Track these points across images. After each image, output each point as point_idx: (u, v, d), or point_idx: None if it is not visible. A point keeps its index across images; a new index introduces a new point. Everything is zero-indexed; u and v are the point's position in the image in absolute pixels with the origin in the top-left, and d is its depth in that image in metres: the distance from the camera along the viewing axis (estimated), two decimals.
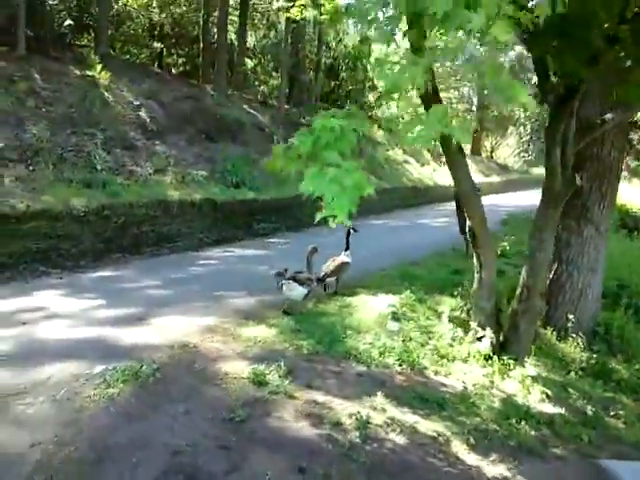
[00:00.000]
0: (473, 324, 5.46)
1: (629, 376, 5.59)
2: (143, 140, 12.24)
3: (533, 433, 4.16)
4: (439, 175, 23.53)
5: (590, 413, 4.64)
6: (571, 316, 6.36)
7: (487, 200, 20.08)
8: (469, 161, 21.31)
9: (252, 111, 16.90)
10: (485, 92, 30.95)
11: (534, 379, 4.98)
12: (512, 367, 5.16)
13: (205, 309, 6.27)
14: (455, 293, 6.85)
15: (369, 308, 6.33)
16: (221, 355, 4.83)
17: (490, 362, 5.24)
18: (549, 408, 4.64)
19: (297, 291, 6.22)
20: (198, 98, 15.03)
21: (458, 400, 4.48)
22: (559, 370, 5.54)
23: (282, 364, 4.52)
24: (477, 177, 26.10)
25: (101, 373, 4.28)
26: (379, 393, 4.31)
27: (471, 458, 3.72)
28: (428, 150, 26.00)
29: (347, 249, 7.26)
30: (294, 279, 6.23)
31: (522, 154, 53.66)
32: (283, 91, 18.96)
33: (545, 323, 6.42)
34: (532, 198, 23.46)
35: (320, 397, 4.19)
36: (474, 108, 35.52)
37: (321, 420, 3.84)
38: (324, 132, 3.60)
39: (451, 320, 5.77)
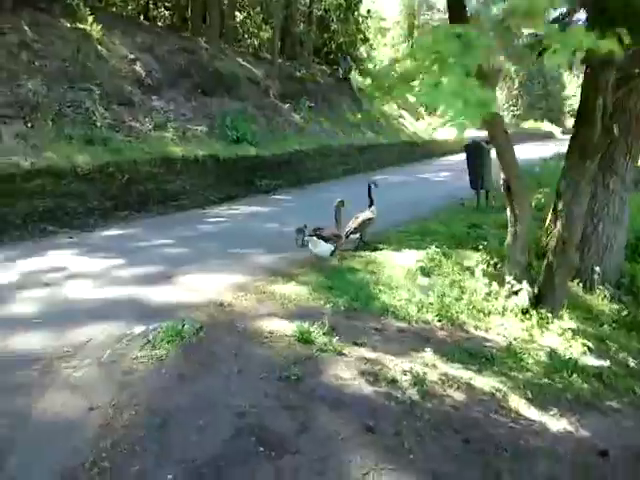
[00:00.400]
0: (508, 278, 5.36)
1: None
2: (140, 95, 11.87)
3: (586, 386, 4.09)
4: (434, 129, 23.27)
5: (634, 365, 4.59)
6: (597, 268, 6.31)
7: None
8: None
9: (246, 64, 16.43)
10: None
11: (574, 332, 4.91)
12: (550, 320, 5.09)
13: (227, 267, 6.13)
14: (479, 247, 6.73)
15: (396, 264, 6.23)
16: (259, 314, 4.70)
17: (527, 316, 5.17)
18: (593, 361, 4.58)
19: (322, 247, 6.08)
20: (192, 51, 14.56)
21: (505, 355, 4.42)
22: (592, 323, 5.49)
23: (325, 321, 4.36)
24: (475, 132, 25.88)
25: (143, 334, 4.12)
26: (428, 349, 4.18)
27: (532, 413, 3.67)
28: (422, 104, 25.67)
29: (371, 204, 7.11)
30: (319, 235, 6.05)
31: (511, 108, 53.38)
32: (276, 44, 18.44)
33: (571, 275, 6.33)
34: (531, 152, 23.44)
35: (368, 354, 4.09)
36: None
37: (376, 377, 3.75)
38: (447, 41, 3.18)
39: (485, 274, 5.64)
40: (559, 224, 5.36)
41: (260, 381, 3.58)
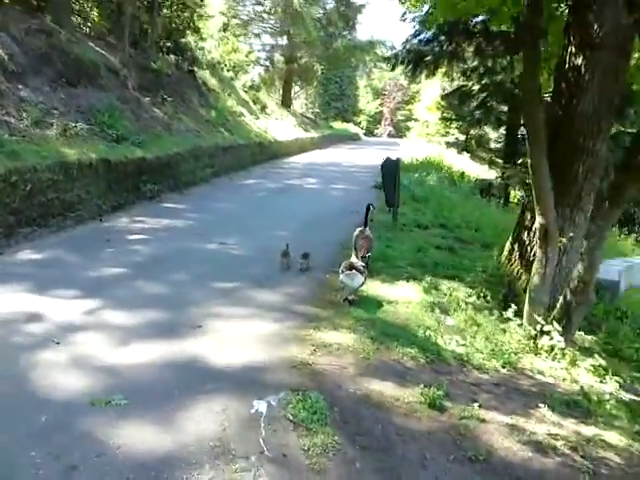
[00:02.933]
0: (537, 317, 5.60)
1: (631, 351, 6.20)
2: (5, 83, 10.09)
3: None
4: (274, 129, 23.26)
5: None
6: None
7: (324, 158, 20.75)
8: (284, 113, 21.53)
9: (101, 51, 14.83)
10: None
11: (602, 368, 5.29)
12: (580, 358, 5.42)
13: (237, 309, 5.62)
14: (454, 277, 6.96)
15: (401, 300, 6.16)
16: (349, 374, 4.34)
17: (555, 354, 5.43)
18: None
19: (358, 279, 5.86)
20: (49, 33, 12.72)
21: (585, 400, 4.59)
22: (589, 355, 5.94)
23: (443, 384, 4.19)
24: (298, 132, 26.44)
25: (273, 413, 3.59)
26: (541, 405, 4.23)
27: None
28: (254, 102, 25.49)
29: (366, 225, 7.11)
30: (353, 267, 5.83)
31: (309, 106, 55.34)
32: (126, 31, 16.85)
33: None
34: (360, 155, 24.53)
35: (501, 417, 4.01)
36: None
37: (538, 447, 3.70)
38: None
39: (517, 314, 5.83)
40: (580, 265, 5.70)
41: (449, 463, 3.33)
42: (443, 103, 33.17)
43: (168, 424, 3.42)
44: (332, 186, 15.10)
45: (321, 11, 32.94)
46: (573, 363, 5.36)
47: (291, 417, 3.55)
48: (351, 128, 46.06)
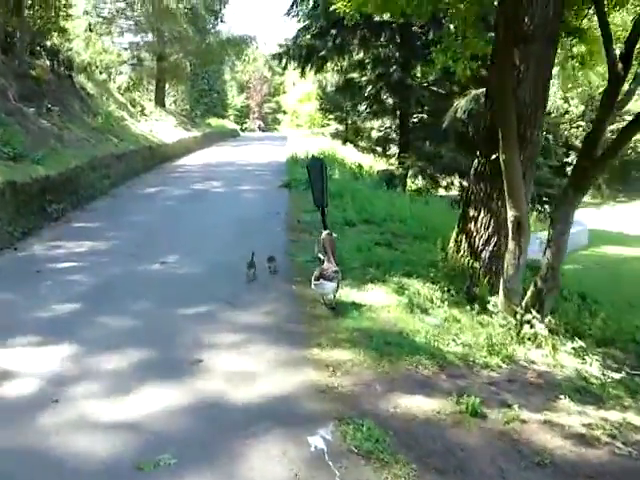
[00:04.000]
0: (516, 308, 5.82)
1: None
2: None
3: None
4: (157, 131, 22.38)
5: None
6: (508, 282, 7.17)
7: (214, 158, 20.44)
8: (163, 114, 20.99)
9: None
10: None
11: (583, 350, 5.61)
12: (562, 342, 5.71)
13: (226, 336, 5.34)
14: (411, 273, 7.11)
15: (377, 304, 6.16)
16: (379, 392, 4.29)
17: (540, 342, 5.68)
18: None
19: (328, 288, 5.81)
20: None
21: (589, 385, 4.84)
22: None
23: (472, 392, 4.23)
24: (180, 132, 25.69)
25: (332, 450, 3.44)
26: (561, 396, 4.40)
27: None
28: (132, 104, 24.42)
29: (325, 228, 7.06)
30: (323, 277, 5.74)
31: (179, 103, 53.81)
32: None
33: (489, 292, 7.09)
34: (250, 153, 24.23)
35: (535, 415, 4.11)
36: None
37: (585, 440, 3.84)
38: None
39: (495, 306, 5.99)
40: (548, 252, 5.97)
41: (531, 472, 3.38)
42: (321, 94, 33.59)
43: (234, 478, 3.15)
44: (240, 188, 14.77)
45: (188, 5, 31.89)
46: (555, 348, 5.58)
47: (356, 450, 3.40)
48: (228, 124, 45.28)
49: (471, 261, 7.51)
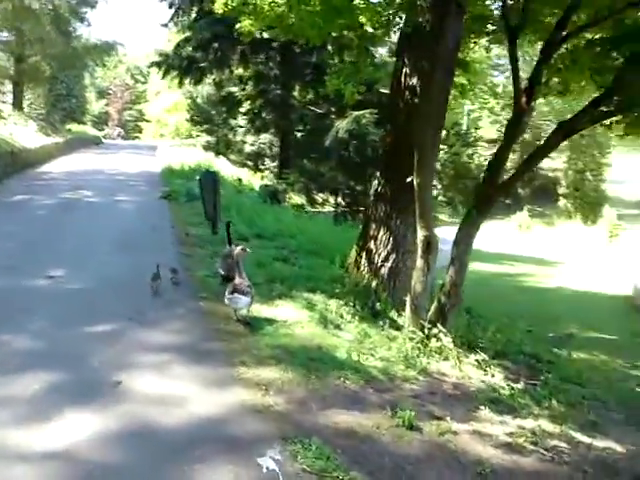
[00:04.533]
0: (424, 322, 6.10)
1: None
2: None
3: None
4: (18, 136, 20.82)
5: None
6: (407, 298, 7.52)
7: (80, 165, 19.51)
8: (22, 118, 19.94)
9: None
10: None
11: (486, 362, 6.01)
12: (465, 356, 6.06)
13: (142, 356, 5.05)
14: (319, 290, 7.19)
15: (289, 320, 6.17)
16: (315, 410, 4.30)
17: (444, 355, 6.00)
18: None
19: (242, 302, 5.77)
20: None
21: (506, 396, 5.19)
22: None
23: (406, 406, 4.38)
24: (42, 138, 24.18)
25: (286, 471, 3.41)
26: (480, 407, 4.68)
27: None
28: None
29: (230, 244, 7.03)
30: (237, 291, 5.72)
31: (34, 107, 50.56)
32: None
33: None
34: (119, 162, 23.16)
35: (463, 426, 4.31)
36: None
37: (513, 448, 4.11)
38: None
39: (405, 321, 6.21)
40: (451, 270, 6.31)
41: None
42: (192, 105, 33.08)
43: None
44: (115, 199, 14.11)
45: (50, 6, 30.14)
46: (460, 360, 5.90)
47: (309, 469, 3.38)
48: (89, 130, 43.06)
49: (371, 277, 7.72)
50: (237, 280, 6.00)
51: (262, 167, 27.69)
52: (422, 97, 5.89)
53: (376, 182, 7.86)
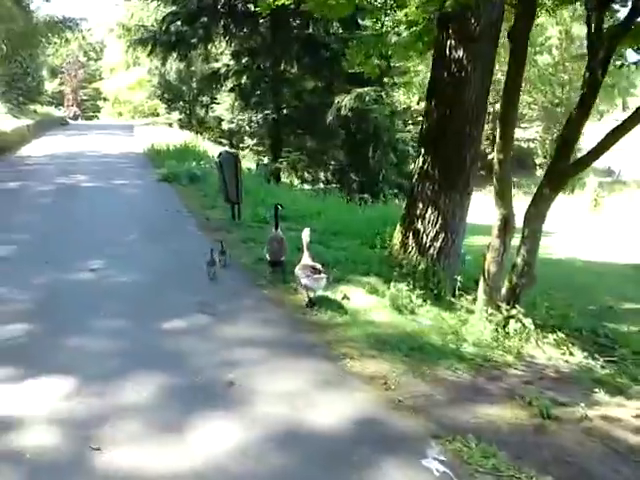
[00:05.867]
0: (501, 304, 5.98)
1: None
2: None
3: None
4: None
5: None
6: (458, 277, 7.43)
7: (58, 148, 18.91)
8: None
9: None
10: None
11: (563, 341, 5.94)
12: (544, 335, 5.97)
13: (237, 352, 4.85)
14: (372, 273, 7.06)
15: (359, 304, 6.05)
16: (446, 403, 4.16)
17: (526, 335, 5.90)
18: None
19: (323, 283, 5.74)
20: None
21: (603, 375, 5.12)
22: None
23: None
24: (13, 120, 23.24)
25: (458, 473, 3.27)
26: (596, 389, 4.60)
27: None
28: None
29: (277, 228, 6.85)
30: (315, 271, 5.63)
31: None
32: None
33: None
34: (97, 143, 22.37)
35: (588, 411, 4.17)
36: None
37: None
38: None
39: (486, 305, 6.07)
40: (523, 249, 6.19)
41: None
42: (162, 82, 32.19)
43: None
44: (113, 182, 13.60)
45: None
46: (538, 341, 5.82)
47: (481, 468, 3.23)
48: (54, 112, 41.55)
49: (419, 258, 7.57)
50: (309, 262, 5.83)
51: (241, 145, 27.13)
52: (509, 71, 5.65)
53: (421, 160, 7.63)
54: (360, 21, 17.69)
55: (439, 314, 6.03)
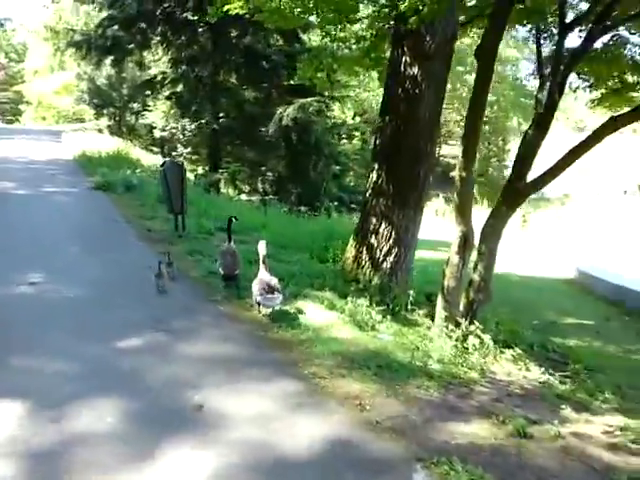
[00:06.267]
0: (460, 319, 6.01)
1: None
2: None
3: None
4: None
5: None
6: (411, 292, 7.45)
7: None
8: None
9: None
10: None
11: (520, 356, 6.03)
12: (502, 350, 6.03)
13: (199, 374, 4.58)
14: (326, 288, 6.96)
15: (317, 320, 5.90)
16: (421, 422, 4.10)
17: (485, 351, 5.94)
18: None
19: (278, 301, 5.65)
20: None
21: (565, 392, 5.19)
22: None
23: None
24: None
25: None
26: (563, 406, 4.66)
27: None
28: None
29: (230, 241, 6.65)
30: (271, 289, 5.57)
31: None
32: None
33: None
34: (23, 148, 21.43)
35: (559, 429, 4.22)
36: None
37: (617, 448, 4.11)
38: None
39: (445, 320, 6.07)
40: (480, 266, 6.25)
41: None
42: (92, 87, 31.22)
43: None
44: (44, 190, 12.95)
45: None
46: (496, 357, 5.87)
47: None
48: None
49: (371, 272, 7.53)
50: (265, 277, 5.67)
51: (174, 154, 26.54)
52: (475, 88, 5.68)
53: (374, 175, 7.62)
54: (301, 34, 17.70)
55: (400, 330, 5.98)
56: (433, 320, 6.48)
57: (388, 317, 6.22)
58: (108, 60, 17.45)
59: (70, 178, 15.25)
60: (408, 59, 7.41)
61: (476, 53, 5.67)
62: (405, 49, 7.45)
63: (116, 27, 16.25)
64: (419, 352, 5.41)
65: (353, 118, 32.88)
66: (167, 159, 9.98)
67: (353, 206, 18.37)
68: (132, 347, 4.88)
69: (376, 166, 7.70)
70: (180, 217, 9.60)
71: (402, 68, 7.45)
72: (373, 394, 4.34)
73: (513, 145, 39.98)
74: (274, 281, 5.70)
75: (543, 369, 5.80)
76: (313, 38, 14.80)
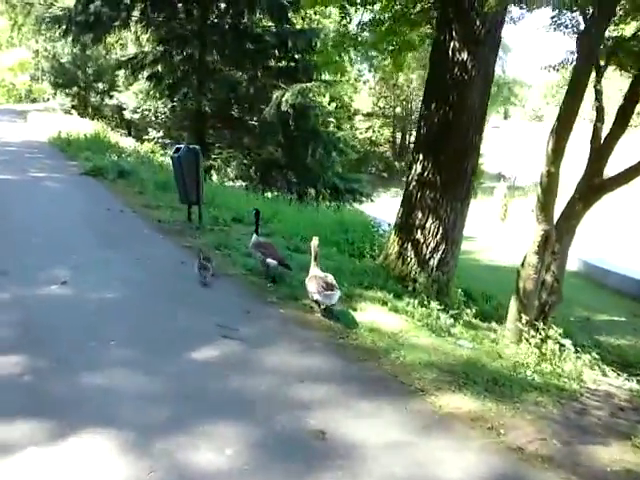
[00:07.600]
0: (537, 323, 5.67)
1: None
2: None
3: None
4: None
5: None
6: (459, 290, 7.15)
7: None
8: None
9: None
10: None
11: (596, 361, 5.73)
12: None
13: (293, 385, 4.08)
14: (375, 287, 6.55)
15: (382, 324, 5.47)
16: (559, 445, 3.73)
17: (564, 358, 5.62)
18: None
19: (336, 297, 5.24)
20: None
21: None
22: None
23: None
24: None
25: None
26: None
27: None
28: None
29: (257, 232, 6.35)
30: (329, 285, 5.16)
31: None
32: None
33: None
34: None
35: None
36: None
37: None
38: None
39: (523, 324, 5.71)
40: (553, 266, 5.92)
41: None
42: (56, 66, 29.84)
43: None
44: (33, 175, 12.12)
45: None
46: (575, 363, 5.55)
47: None
48: None
49: (417, 269, 7.14)
50: (319, 273, 5.32)
51: (145, 137, 25.58)
52: (570, 84, 5.26)
53: (419, 166, 7.18)
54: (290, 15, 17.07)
55: (476, 335, 5.57)
56: (484, 321, 6.14)
57: (460, 322, 5.77)
58: (87, 38, 16.36)
59: (52, 162, 14.39)
60: (457, 44, 6.99)
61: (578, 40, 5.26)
62: (454, 34, 7.01)
63: (99, 2, 15.17)
64: (505, 360, 5.00)
65: (329, 103, 32.28)
66: (182, 145, 9.24)
67: (348, 196, 17.89)
68: (210, 359, 4.36)
69: (421, 157, 7.27)
70: (196, 208, 8.98)
71: (450, 53, 7.01)
72: (497, 414, 3.92)
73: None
74: (330, 277, 5.31)
75: (615, 373, 5.49)
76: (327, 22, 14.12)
